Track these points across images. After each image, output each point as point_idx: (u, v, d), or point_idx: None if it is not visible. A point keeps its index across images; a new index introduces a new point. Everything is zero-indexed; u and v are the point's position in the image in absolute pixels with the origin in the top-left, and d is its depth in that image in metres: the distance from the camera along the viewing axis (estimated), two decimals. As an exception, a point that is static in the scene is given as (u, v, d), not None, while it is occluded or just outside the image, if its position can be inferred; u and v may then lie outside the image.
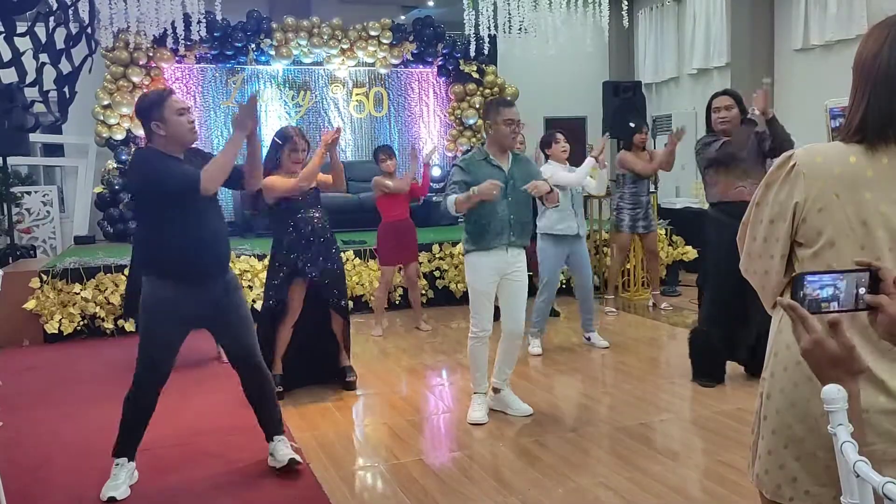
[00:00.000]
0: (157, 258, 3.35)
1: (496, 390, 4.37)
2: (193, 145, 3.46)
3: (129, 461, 3.45)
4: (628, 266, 7.96)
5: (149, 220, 3.42)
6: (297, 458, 3.60)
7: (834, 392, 1.08)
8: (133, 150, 8.77)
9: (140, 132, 9.62)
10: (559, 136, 5.77)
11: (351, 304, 7.23)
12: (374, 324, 6.51)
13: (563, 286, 6.82)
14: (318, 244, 4.71)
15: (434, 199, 9.58)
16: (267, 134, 10.45)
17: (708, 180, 4.75)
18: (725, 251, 4.46)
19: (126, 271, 6.24)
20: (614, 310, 7.17)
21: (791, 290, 1.24)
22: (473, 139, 11.11)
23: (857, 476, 0.93)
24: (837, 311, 1.23)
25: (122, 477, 3.38)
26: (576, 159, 5.86)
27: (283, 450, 3.61)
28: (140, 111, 3.34)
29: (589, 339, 5.90)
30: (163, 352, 3.36)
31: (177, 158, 3.32)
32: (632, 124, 7.01)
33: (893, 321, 1.22)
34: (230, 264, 3.57)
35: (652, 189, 7.12)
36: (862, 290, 1.25)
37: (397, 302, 7.33)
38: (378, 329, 6.46)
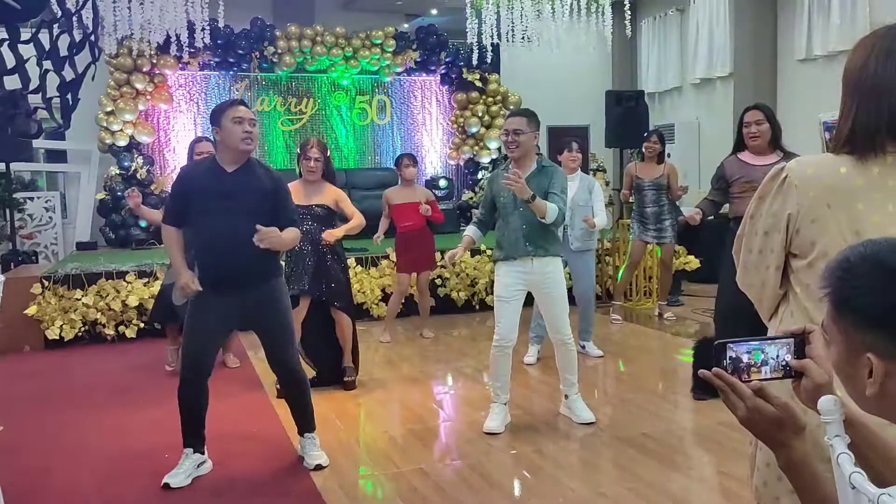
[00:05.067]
0: (196, 265, 3.61)
1: (566, 396, 4.42)
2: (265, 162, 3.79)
3: (193, 452, 3.58)
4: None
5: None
6: (324, 463, 3.71)
7: (829, 403, 1.07)
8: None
9: (143, 139, 9.68)
10: (573, 144, 5.76)
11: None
12: (383, 330, 6.55)
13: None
14: (323, 260, 4.91)
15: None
16: (270, 143, 10.54)
17: (733, 197, 4.66)
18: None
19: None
20: (619, 318, 7.15)
21: (714, 359, 1.19)
22: (476, 147, 11.12)
23: (853, 487, 0.92)
24: (767, 379, 1.19)
25: (185, 466, 3.54)
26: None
27: (313, 451, 3.76)
28: (210, 117, 3.57)
29: (583, 347, 5.89)
30: (198, 348, 3.53)
31: (220, 171, 3.48)
32: (645, 134, 7.08)
33: (817, 386, 1.18)
34: (273, 271, 3.65)
35: (665, 201, 7.00)
36: (788, 357, 1.21)
37: (400, 310, 7.31)
38: (386, 335, 6.49)
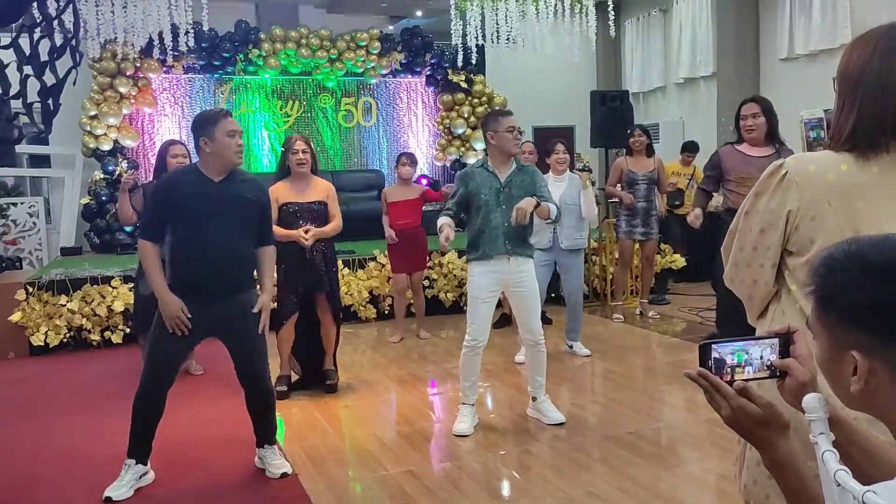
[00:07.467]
0: (169, 271, 3.50)
1: (533, 398, 4.41)
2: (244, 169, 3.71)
3: (136, 463, 3.50)
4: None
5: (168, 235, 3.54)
6: (289, 471, 3.65)
7: (814, 401, 1.08)
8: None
9: (128, 143, 9.61)
10: (559, 146, 5.83)
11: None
12: (394, 330, 6.60)
13: (553, 295, 6.81)
14: (317, 258, 4.88)
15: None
16: (255, 145, 10.50)
17: (727, 189, 4.69)
18: None
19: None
20: (621, 317, 7.17)
21: (698, 359, 1.20)
22: (462, 148, 11.13)
23: (838, 485, 0.93)
24: (751, 378, 1.20)
25: (127, 478, 3.45)
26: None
27: (275, 460, 3.68)
28: (194, 126, 3.49)
29: (571, 346, 5.91)
30: (165, 358, 3.47)
31: (207, 180, 3.43)
32: (628, 130, 7.10)
33: (801, 385, 1.19)
34: (248, 283, 3.60)
35: (654, 196, 7.05)
36: (773, 357, 1.22)
37: (386, 312, 7.31)
38: (396, 336, 6.52)
